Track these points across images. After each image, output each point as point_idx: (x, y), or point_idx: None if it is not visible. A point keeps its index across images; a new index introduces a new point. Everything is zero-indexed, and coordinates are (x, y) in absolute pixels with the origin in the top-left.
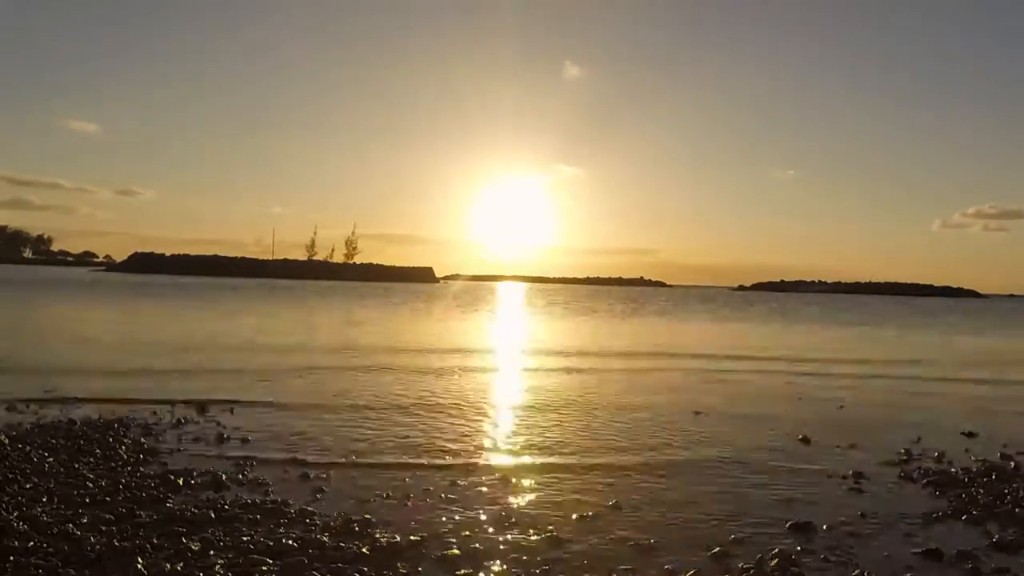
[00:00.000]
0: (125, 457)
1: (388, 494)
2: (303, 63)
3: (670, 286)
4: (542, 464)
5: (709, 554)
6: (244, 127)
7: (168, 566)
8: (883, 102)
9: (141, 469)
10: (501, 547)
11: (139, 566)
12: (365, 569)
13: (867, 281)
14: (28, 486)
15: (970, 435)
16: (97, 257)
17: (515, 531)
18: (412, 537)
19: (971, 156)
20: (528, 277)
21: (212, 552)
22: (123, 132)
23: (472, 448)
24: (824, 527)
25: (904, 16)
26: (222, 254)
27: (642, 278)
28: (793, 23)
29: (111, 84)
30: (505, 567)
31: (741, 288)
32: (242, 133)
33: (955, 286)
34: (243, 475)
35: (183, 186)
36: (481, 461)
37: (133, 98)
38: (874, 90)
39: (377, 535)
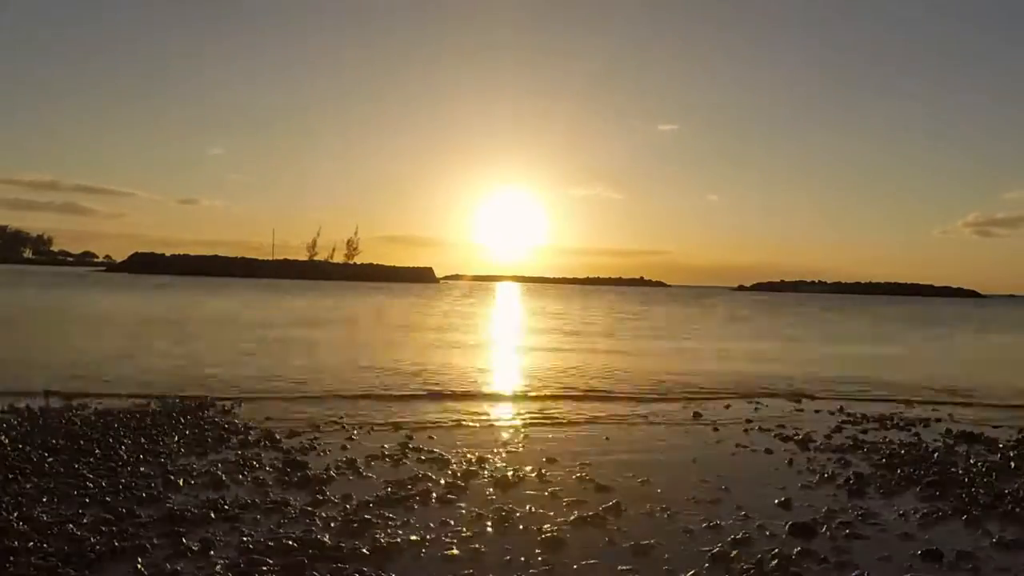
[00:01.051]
0: (125, 457)
1: (389, 494)
2: (326, 66)
3: (670, 286)
4: (541, 465)
5: (709, 554)
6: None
7: (168, 566)
8: (884, 109)
9: (141, 469)
10: (501, 547)
11: (139, 566)
12: (365, 569)
13: (867, 282)
14: (28, 486)
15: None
16: (97, 257)
17: (515, 531)
18: (412, 537)
19: (972, 163)
20: (527, 278)
21: (212, 552)
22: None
23: (471, 449)
24: (824, 528)
25: (906, 20)
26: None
27: (642, 278)
28: (790, 28)
29: None
30: (505, 567)
31: (741, 288)
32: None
33: (955, 286)
34: (243, 475)
35: (232, 194)
36: (481, 462)
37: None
38: (876, 99)
39: (377, 535)
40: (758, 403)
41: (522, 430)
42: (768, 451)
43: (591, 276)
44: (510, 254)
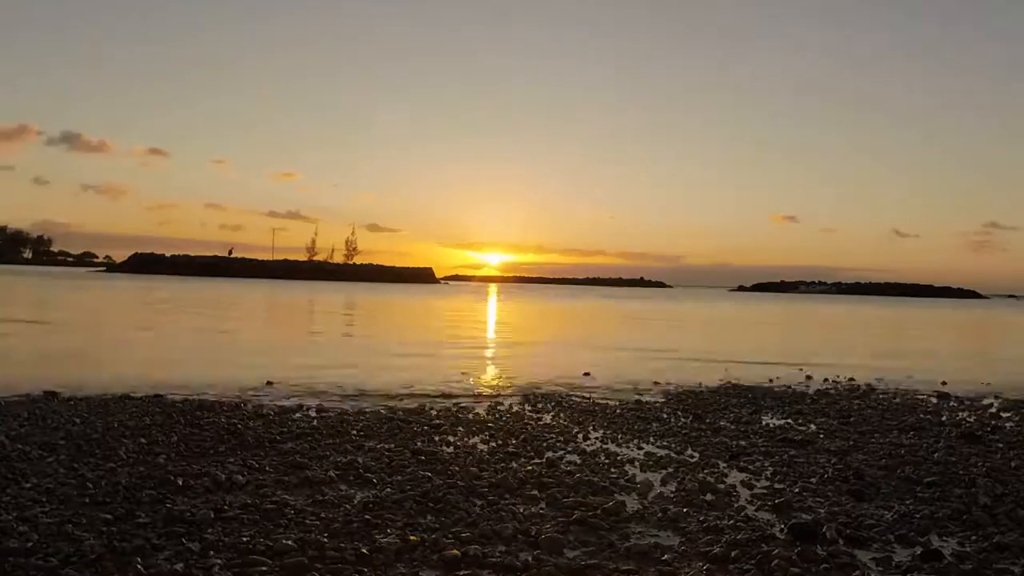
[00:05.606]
0: (125, 457)
1: (389, 494)
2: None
3: (669, 287)
4: (541, 465)
5: (709, 555)
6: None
7: (168, 567)
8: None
9: (141, 469)
10: (501, 548)
11: (139, 566)
12: (365, 570)
13: (867, 282)
14: (28, 486)
15: None
16: (97, 257)
17: (515, 532)
18: (412, 537)
19: (973, 166)
20: (528, 279)
21: (212, 553)
22: None
23: (472, 450)
24: (824, 528)
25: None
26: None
27: (642, 279)
28: (789, 27)
29: None
30: (505, 568)
31: (741, 289)
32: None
33: (955, 287)
34: (243, 475)
35: None
36: (481, 463)
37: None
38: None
39: (377, 535)
40: (758, 403)
41: (522, 430)
42: (768, 451)
43: (591, 277)
44: (511, 254)
